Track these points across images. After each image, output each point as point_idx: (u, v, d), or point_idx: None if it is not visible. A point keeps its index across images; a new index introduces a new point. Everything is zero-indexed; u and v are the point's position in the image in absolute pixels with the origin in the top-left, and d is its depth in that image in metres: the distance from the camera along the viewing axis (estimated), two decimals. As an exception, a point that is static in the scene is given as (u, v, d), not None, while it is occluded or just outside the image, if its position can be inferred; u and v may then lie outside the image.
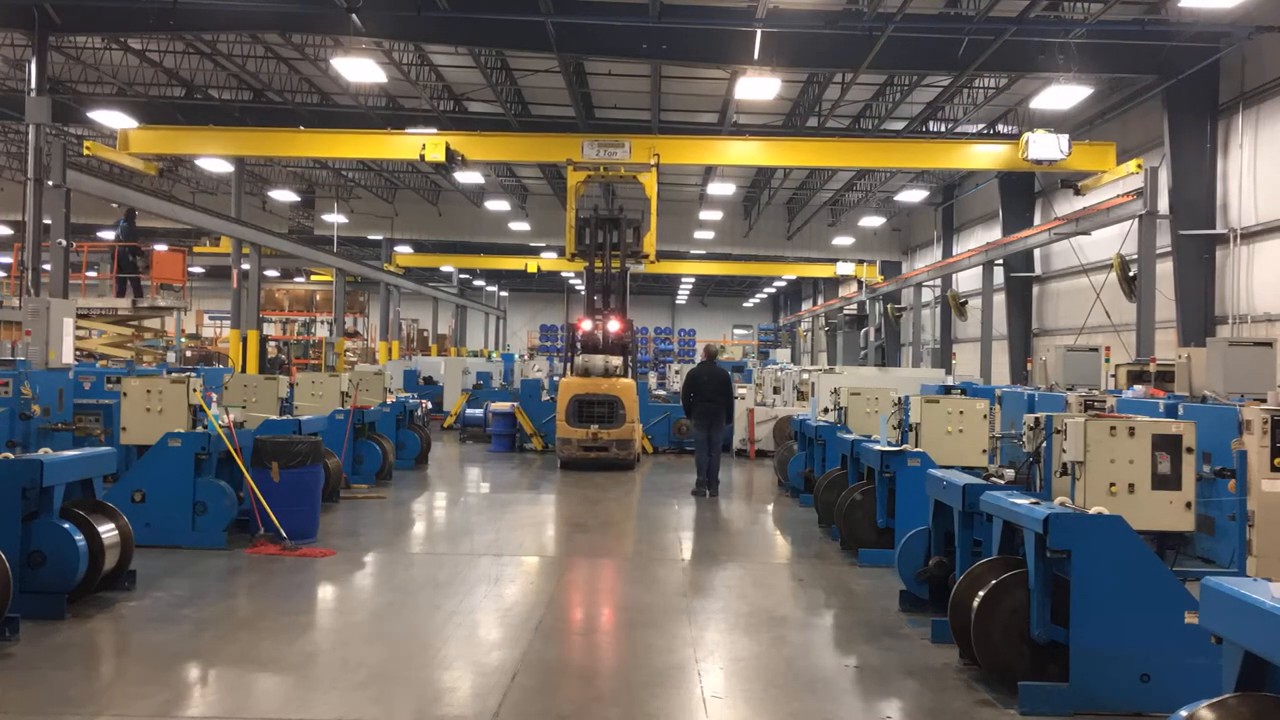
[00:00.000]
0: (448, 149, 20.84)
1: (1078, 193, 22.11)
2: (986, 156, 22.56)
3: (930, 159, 24.21)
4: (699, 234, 38.44)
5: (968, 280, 31.74)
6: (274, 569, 8.67)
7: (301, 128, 23.09)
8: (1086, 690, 5.39)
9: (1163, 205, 18.73)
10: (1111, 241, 20.89)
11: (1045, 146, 20.05)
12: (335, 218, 36.37)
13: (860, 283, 42.25)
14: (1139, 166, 19.19)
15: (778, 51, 18.08)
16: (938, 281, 33.67)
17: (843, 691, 5.95)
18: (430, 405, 20.21)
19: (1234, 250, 17.83)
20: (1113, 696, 5.38)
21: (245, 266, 28.40)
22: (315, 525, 9.98)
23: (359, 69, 18.04)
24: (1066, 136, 20.36)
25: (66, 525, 6.96)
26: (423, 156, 21.00)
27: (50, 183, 17.43)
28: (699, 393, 13.65)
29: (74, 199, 18.33)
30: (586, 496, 13.58)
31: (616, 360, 17.27)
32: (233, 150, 24.16)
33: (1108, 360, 15.77)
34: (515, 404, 19.42)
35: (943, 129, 25.74)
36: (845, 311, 44.36)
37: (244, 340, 27.61)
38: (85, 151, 18.12)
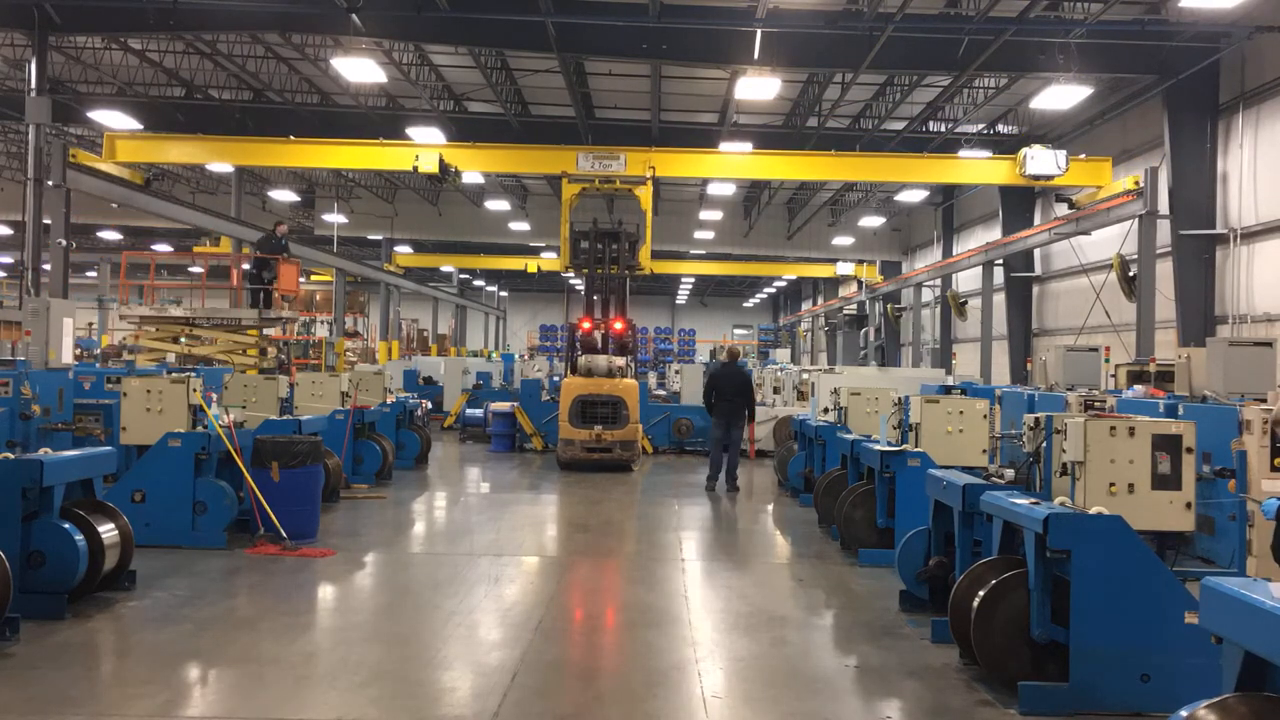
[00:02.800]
0: (441, 161, 20.82)
1: (1072, 206, 22.17)
2: (984, 171, 22.64)
3: (928, 173, 24.32)
4: (699, 234, 38.45)
5: (968, 280, 31.75)
6: (274, 569, 8.67)
7: (292, 137, 23.02)
8: (1086, 690, 5.40)
9: (1163, 205, 18.74)
10: (1111, 241, 20.90)
11: (1043, 162, 20.14)
12: (335, 218, 36.38)
13: (860, 283, 42.26)
14: (1136, 183, 19.23)
15: (778, 51, 18.08)
16: (938, 281, 33.68)
17: (843, 691, 5.95)
18: (430, 405, 20.20)
19: (1234, 250, 17.83)
20: (1113, 696, 5.38)
21: (245, 266, 28.38)
22: (315, 525, 9.98)
23: (359, 69, 18.05)
24: (1064, 152, 20.46)
25: (66, 525, 6.96)
26: (415, 168, 20.97)
27: (50, 183, 17.44)
28: (720, 393, 14.04)
29: (74, 199, 18.36)
30: (587, 496, 13.58)
31: (620, 360, 17.25)
32: (221, 159, 24.14)
33: (1108, 360, 15.77)
34: (515, 404, 19.41)
35: (943, 129, 25.77)
36: (845, 311, 44.37)
37: (244, 340, 27.55)
38: (71, 159, 17.99)
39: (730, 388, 14.00)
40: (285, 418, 11.55)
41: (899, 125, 25.77)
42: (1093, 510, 5.56)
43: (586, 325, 18.01)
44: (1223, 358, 11.52)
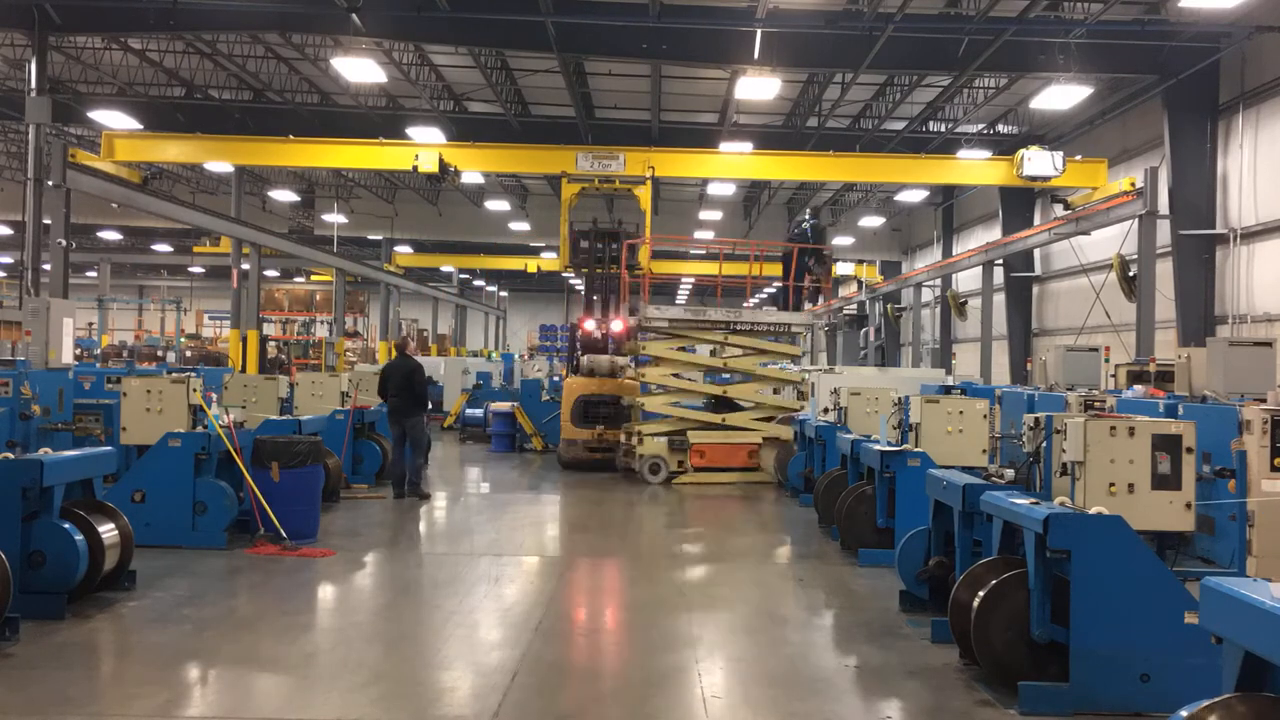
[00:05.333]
0: (441, 161, 20.81)
1: (1067, 208, 22.19)
2: (983, 172, 22.66)
3: (927, 174, 24.35)
4: (699, 233, 38.43)
5: (968, 280, 31.73)
6: (274, 569, 8.67)
7: (292, 137, 23.00)
8: (1086, 690, 5.39)
9: (1163, 205, 18.73)
10: (1111, 241, 20.89)
11: (1040, 163, 20.17)
12: (335, 218, 36.38)
13: (860, 283, 42.24)
14: (1132, 184, 19.23)
15: (778, 51, 18.08)
16: (938, 281, 33.67)
17: (843, 691, 5.95)
18: (430, 405, 20.19)
19: (1234, 250, 17.82)
20: (1113, 696, 5.38)
21: (245, 266, 28.42)
22: (315, 525, 9.98)
23: (359, 69, 18.05)
24: (1061, 154, 20.46)
25: (66, 525, 6.96)
26: (415, 168, 20.95)
27: (50, 183, 17.43)
28: (387, 388, 12.97)
29: (74, 199, 18.35)
30: (587, 497, 13.58)
31: (623, 360, 17.25)
32: (221, 158, 24.11)
33: (1108, 360, 15.77)
34: (515, 404, 19.41)
35: (943, 129, 25.77)
36: (845, 311, 44.35)
37: (244, 340, 27.62)
38: (71, 159, 17.90)
39: (395, 381, 12.85)
40: (285, 418, 11.56)
41: (899, 125, 25.77)
42: (1093, 510, 5.56)
43: (588, 325, 18.00)
44: (1223, 358, 11.52)
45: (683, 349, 16.60)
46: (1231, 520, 7.92)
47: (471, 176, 31.80)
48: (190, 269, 52.26)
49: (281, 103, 25.69)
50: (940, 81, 22.36)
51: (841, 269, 43.76)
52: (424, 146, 21.91)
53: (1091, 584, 5.40)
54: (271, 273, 48.60)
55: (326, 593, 8.17)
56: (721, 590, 8.49)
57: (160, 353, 35.37)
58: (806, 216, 16.70)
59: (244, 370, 25.42)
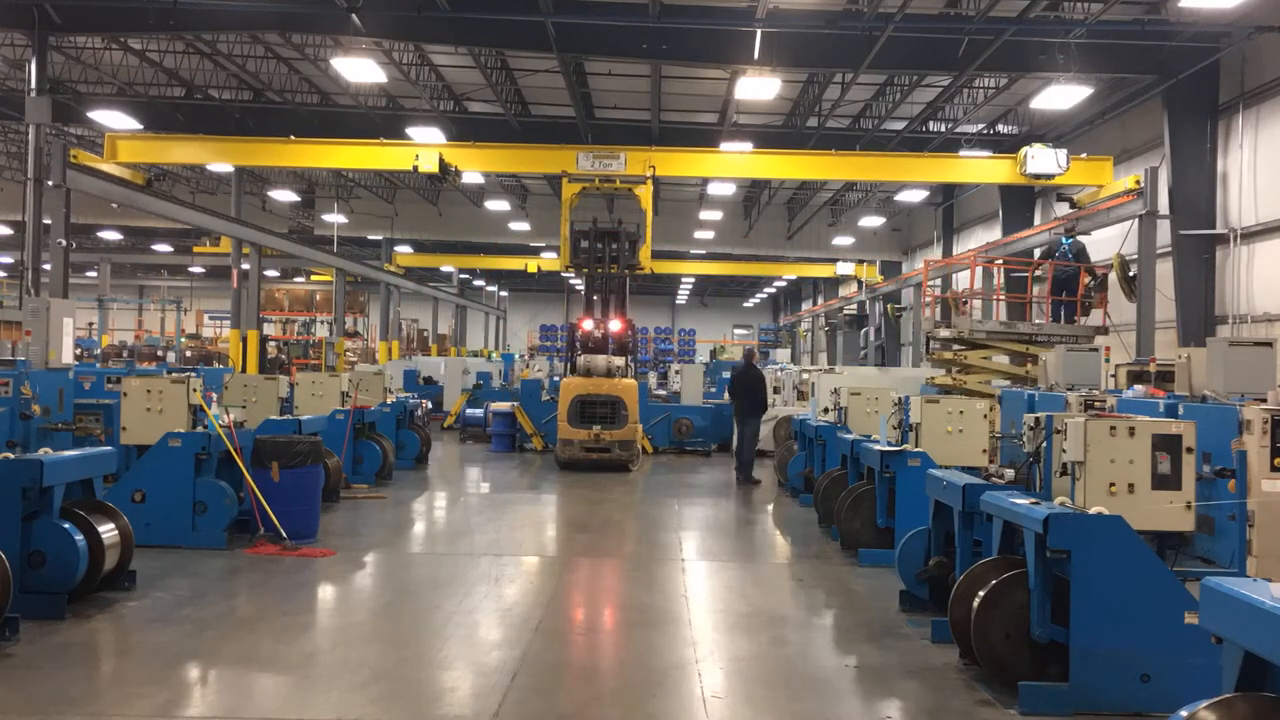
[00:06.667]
0: (441, 161, 20.79)
1: (1073, 206, 22.17)
2: (985, 170, 22.66)
3: (928, 173, 24.35)
4: (699, 234, 38.44)
5: (968, 281, 31.70)
6: (274, 569, 8.67)
7: (293, 137, 22.98)
8: (1086, 690, 5.39)
9: (1163, 205, 18.73)
10: (1111, 241, 20.88)
11: (1043, 161, 20.13)
12: (335, 218, 36.37)
13: (860, 283, 42.25)
14: (1137, 182, 19.22)
15: (778, 51, 18.08)
16: (938, 281, 33.65)
17: (843, 691, 5.95)
18: (430, 405, 20.19)
19: (1234, 250, 17.82)
20: (1113, 696, 5.38)
21: (245, 266, 28.42)
22: (315, 525, 9.98)
23: (359, 69, 18.04)
24: (1064, 151, 20.43)
25: (66, 525, 6.96)
26: (415, 168, 20.95)
27: (50, 183, 17.42)
28: (732, 392, 15.94)
29: (74, 199, 18.34)
30: (586, 497, 13.58)
31: (620, 360, 17.25)
32: (223, 159, 24.11)
33: (1108, 360, 15.76)
34: (515, 404, 19.42)
35: (943, 129, 25.77)
36: (845, 311, 44.36)
37: (244, 340, 27.62)
38: (72, 159, 17.88)
39: (739, 385, 15.57)
40: (285, 418, 11.56)
41: (899, 125, 25.77)
42: (1093, 510, 5.56)
43: (587, 325, 18.00)
44: (1223, 358, 11.50)
45: (986, 358, 17.82)
46: (1231, 520, 7.92)
47: (471, 176, 31.77)
48: (190, 269, 52.28)
49: (281, 103, 25.69)
50: (940, 81, 22.35)
51: (841, 269, 43.79)
52: (424, 146, 21.91)
53: (1091, 584, 5.40)
54: (271, 273, 48.58)
55: (326, 593, 8.17)
56: (721, 590, 8.49)
57: (160, 353, 35.40)
58: (1064, 238, 17.87)
59: (244, 370, 25.42)
